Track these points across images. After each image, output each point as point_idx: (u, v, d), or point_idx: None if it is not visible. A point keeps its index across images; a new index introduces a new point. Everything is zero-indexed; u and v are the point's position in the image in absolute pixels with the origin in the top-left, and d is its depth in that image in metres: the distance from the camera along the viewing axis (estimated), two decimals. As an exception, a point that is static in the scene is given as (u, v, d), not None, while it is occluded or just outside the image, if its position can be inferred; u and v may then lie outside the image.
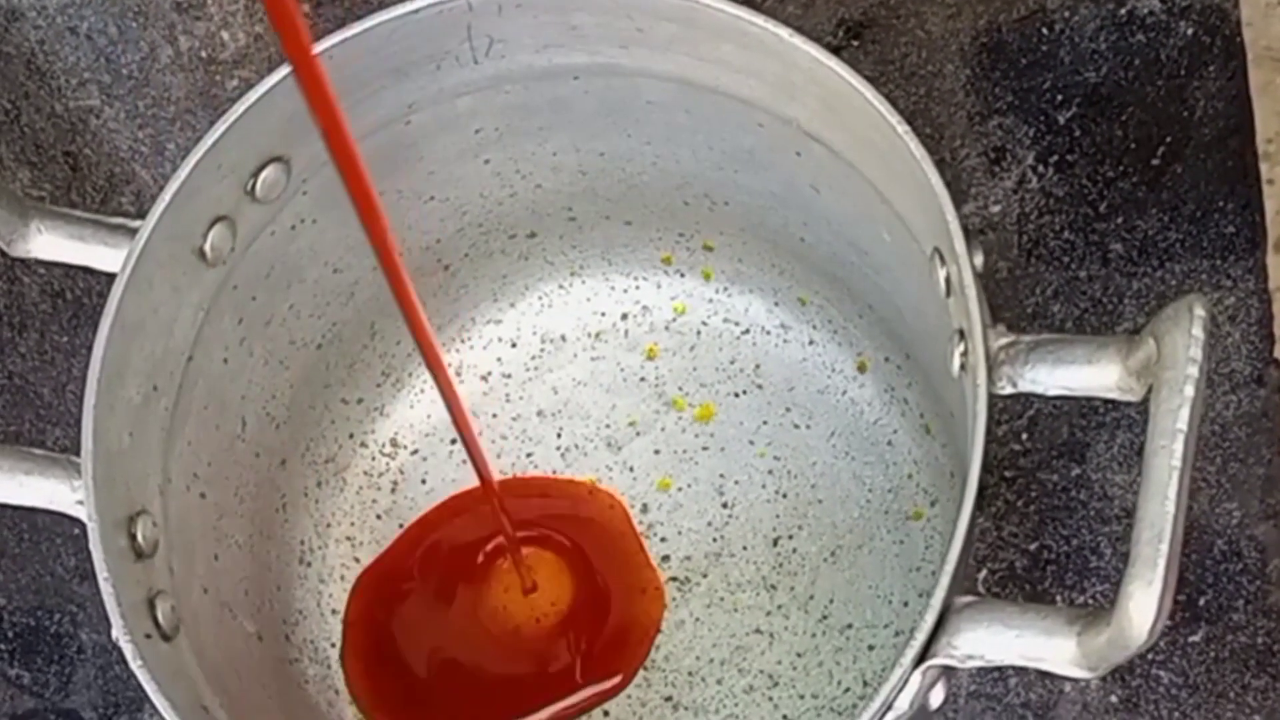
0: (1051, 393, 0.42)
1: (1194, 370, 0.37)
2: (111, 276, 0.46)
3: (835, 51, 0.59)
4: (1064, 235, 0.60)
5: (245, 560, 0.54)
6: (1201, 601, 0.56)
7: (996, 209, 0.61)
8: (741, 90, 0.48)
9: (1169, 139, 0.61)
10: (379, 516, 0.58)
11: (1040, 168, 0.61)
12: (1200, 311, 0.37)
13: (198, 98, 0.63)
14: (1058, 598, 0.57)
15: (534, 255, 0.58)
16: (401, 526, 0.58)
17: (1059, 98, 0.62)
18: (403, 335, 0.47)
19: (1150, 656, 0.56)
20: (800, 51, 0.46)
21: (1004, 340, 0.42)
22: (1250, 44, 0.62)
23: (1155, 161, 0.61)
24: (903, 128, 0.44)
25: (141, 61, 0.64)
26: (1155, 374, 0.38)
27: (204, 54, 0.64)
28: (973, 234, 0.43)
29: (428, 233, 0.56)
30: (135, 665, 0.43)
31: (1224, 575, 0.56)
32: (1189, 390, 0.37)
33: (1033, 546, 0.57)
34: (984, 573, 0.57)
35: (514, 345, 0.60)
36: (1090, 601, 0.56)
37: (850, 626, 0.55)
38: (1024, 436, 0.58)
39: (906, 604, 0.54)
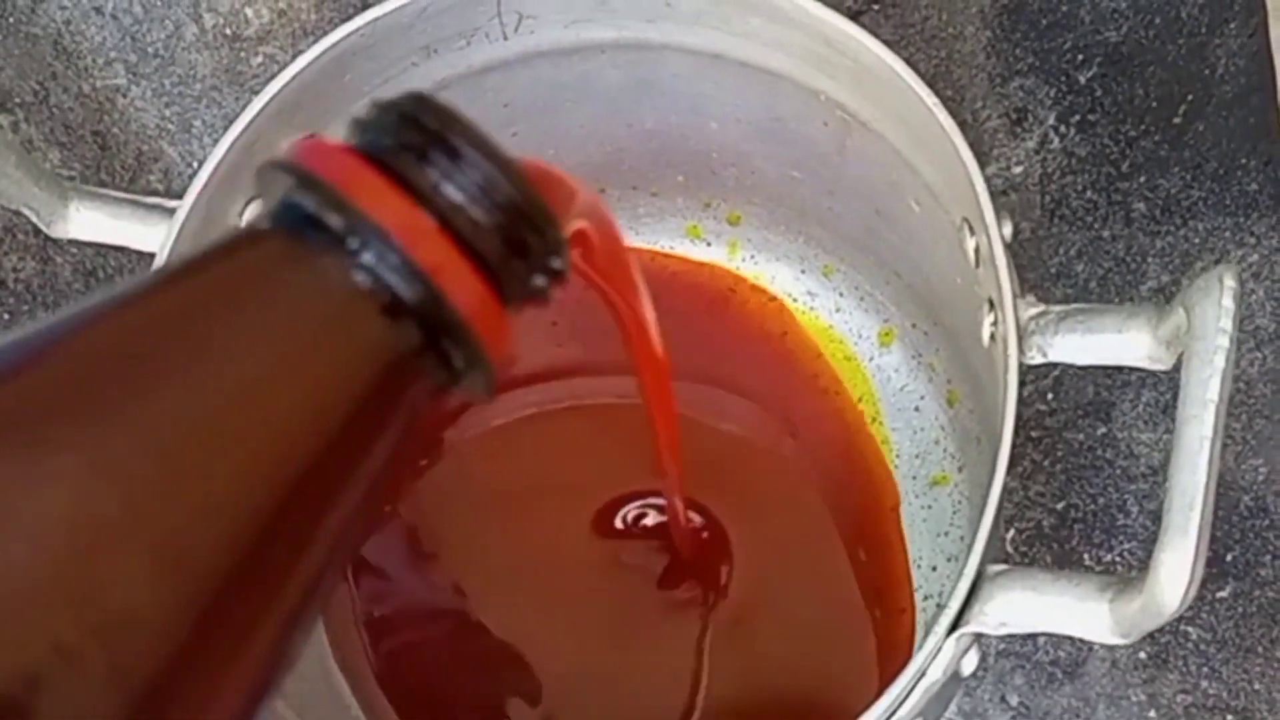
0: (1082, 362, 0.42)
1: (1224, 341, 0.37)
2: (145, 255, 0.47)
3: (856, 16, 0.60)
4: (1086, 195, 0.61)
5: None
6: (1229, 558, 0.56)
7: (1019, 170, 0.61)
8: (769, 62, 0.49)
9: (1190, 97, 0.61)
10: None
11: (1062, 128, 0.61)
12: (1231, 282, 0.37)
13: (223, 75, 0.64)
14: (1085, 556, 0.57)
15: (562, 227, 0.59)
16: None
17: (1080, 58, 0.62)
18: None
19: (1178, 613, 0.56)
20: (828, 24, 0.46)
21: (1034, 310, 0.43)
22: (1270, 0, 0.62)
23: (1177, 120, 0.61)
24: (932, 99, 0.44)
25: (167, 40, 0.64)
26: (1186, 344, 0.38)
27: (228, 31, 0.64)
28: (996, 195, 0.43)
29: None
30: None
31: (1250, 531, 0.57)
32: (1220, 361, 0.37)
33: (1060, 506, 0.58)
34: (1011, 532, 0.57)
35: (543, 315, 0.60)
36: (1118, 560, 0.57)
37: (880, 591, 0.55)
38: (1049, 396, 0.59)
39: (935, 569, 0.55)
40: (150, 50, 0.64)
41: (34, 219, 0.47)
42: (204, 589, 0.22)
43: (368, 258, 0.25)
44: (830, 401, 0.57)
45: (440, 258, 0.25)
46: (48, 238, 0.48)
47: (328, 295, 0.25)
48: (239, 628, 0.23)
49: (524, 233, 0.26)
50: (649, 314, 0.41)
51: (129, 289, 0.25)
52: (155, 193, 0.62)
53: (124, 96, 0.64)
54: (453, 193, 0.25)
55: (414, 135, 0.26)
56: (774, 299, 0.59)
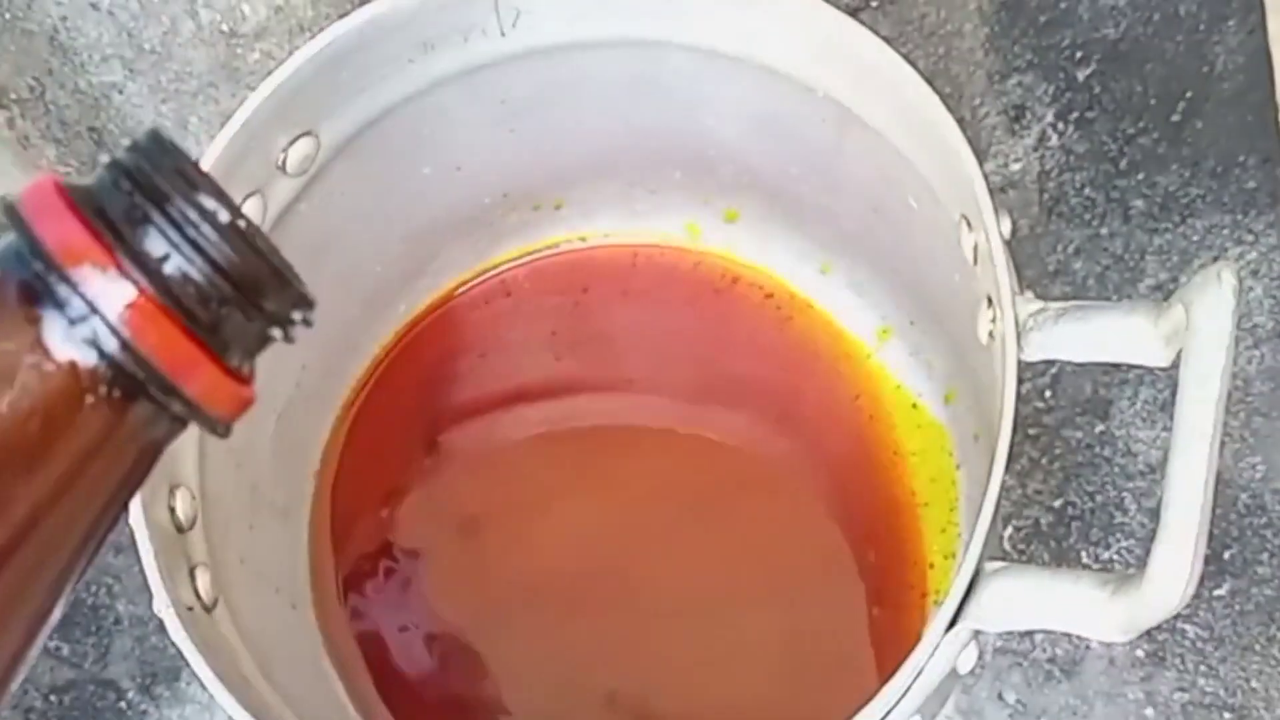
0: (1080, 359, 0.42)
1: (1224, 338, 0.37)
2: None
3: (854, 12, 0.60)
4: (1085, 192, 0.61)
5: (278, 529, 0.55)
6: (1226, 555, 0.57)
7: (1017, 167, 0.61)
8: (767, 59, 0.49)
9: (1189, 94, 0.61)
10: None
11: (1060, 125, 0.61)
12: (1230, 278, 0.37)
13: (220, 71, 0.64)
14: (1083, 554, 0.57)
15: (559, 224, 0.59)
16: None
17: (1078, 54, 0.62)
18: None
19: (1175, 611, 0.56)
20: (827, 20, 0.46)
21: (1033, 307, 0.43)
22: (1268, -4, 0.62)
23: (1175, 117, 0.61)
24: (930, 96, 0.44)
25: (163, 36, 0.64)
26: (1185, 340, 0.38)
27: (225, 27, 0.64)
28: (994, 192, 0.43)
29: (455, 202, 0.56)
30: (178, 638, 0.43)
31: (1248, 529, 0.57)
32: (1218, 358, 0.37)
33: (1057, 503, 0.58)
34: (1009, 530, 0.57)
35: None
36: (1116, 558, 0.57)
37: (878, 588, 0.55)
38: (1047, 394, 0.59)
39: (933, 566, 0.55)
40: (146, 46, 0.64)
41: (29, 215, 0.47)
42: None
43: (72, 312, 0.24)
44: (833, 396, 0.57)
45: (139, 322, 0.24)
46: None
47: (31, 341, 0.24)
48: None
49: (245, 299, 0.26)
50: None
51: None
52: (152, 189, 0.62)
53: (120, 93, 0.64)
54: (158, 252, 0.25)
55: (139, 192, 0.25)
56: (770, 295, 0.58)
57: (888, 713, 0.41)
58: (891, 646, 0.53)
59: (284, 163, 0.49)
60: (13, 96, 0.63)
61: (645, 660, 0.54)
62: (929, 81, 0.44)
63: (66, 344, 0.24)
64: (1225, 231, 0.60)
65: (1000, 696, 0.56)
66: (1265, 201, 0.60)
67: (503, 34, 0.49)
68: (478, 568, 0.56)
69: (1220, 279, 0.38)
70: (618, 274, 0.59)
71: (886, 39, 0.45)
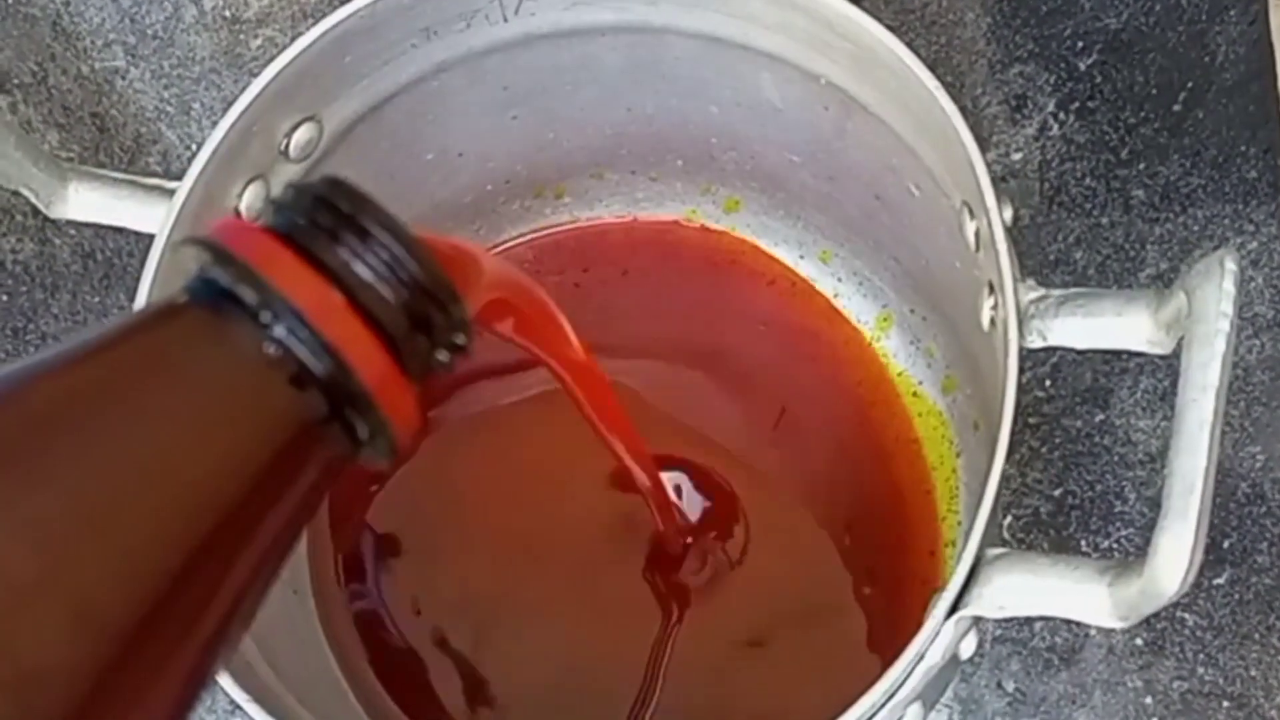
0: (1081, 346, 0.42)
1: (1225, 325, 0.37)
2: (144, 237, 0.47)
3: (856, 1, 0.60)
4: (1086, 182, 0.61)
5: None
6: (1225, 544, 0.57)
7: (1018, 156, 0.61)
8: (769, 46, 0.49)
9: (1190, 84, 0.61)
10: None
11: (1061, 115, 0.61)
12: (1231, 266, 0.37)
13: (222, 57, 0.64)
14: (1083, 543, 0.57)
15: (561, 211, 0.59)
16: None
17: (1080, 44, 0.62)
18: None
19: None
20: (829, 7, 0.46)
21: (1034, 294, 0.43)
22: (1270, -14, 0.62)
23: (1177, 107, 0.61)
24: (933, 83, 0.44)
25: (166, 21, 0.64)
26: (1186, 328, 0.38)
27: (228, 13, 0.64)
28: (995, 181, 0.43)
29: (457, 189, 0.56)
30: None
31: (1248, 518, 0.57)
32: (1220, 345, 0.37)
33: (1057, 492, 0.58)
34: (1009, 519, 0.58)
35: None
36: (1115, 546, 0.57)
37: (878, 574, 0.55)
38: (1047, 383, 0.59)
39: (932, 553, 0.55)
40: (149, 32, 0.64)
41: (33, 200, 0.47)
42: (115, 647, 0.24)
43: (279, 331, 0.26)
44: (833, 383, 0.57)
45: (347, 333, 0.26)
46: (46, 219, 0.48)
47: (240, 365, 0.26)
48: (146, 683, 0.24)
49: (428, 309, 0.28)
50: (585, 361, 0.42)
51: (55, 354, 0.26)
52: (154, 174, 0.61)
53: (123, 78, 0.64)
54: (361, 271, 0.27)
55: (326, 216, 0.27)
56: (772, 281, 0.59)
57: (888, 699, 0.41)
58: (892, 632, 0.53)
59: (287, 148, 0.49)
60: (15, 81, 0.63)
61: (644, 636, 0.54)
62: (928, 67, 0.44)
63: (275, 352, 0.26)
64: (1226, 221, 0.60)
65: (1000, 685, 0.56)
66: (1266, 191, 0.60)
67: (505, 20, 0.49)
68: (474, 541, 0.56)
69: (1222, 266, 0.38)
70: (617, 253, 0.59)
71: (888, 28, 0.45)
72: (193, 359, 0.26)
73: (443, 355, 0.29)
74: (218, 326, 0.26)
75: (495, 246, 0.59)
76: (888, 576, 0.55)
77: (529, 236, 0.59)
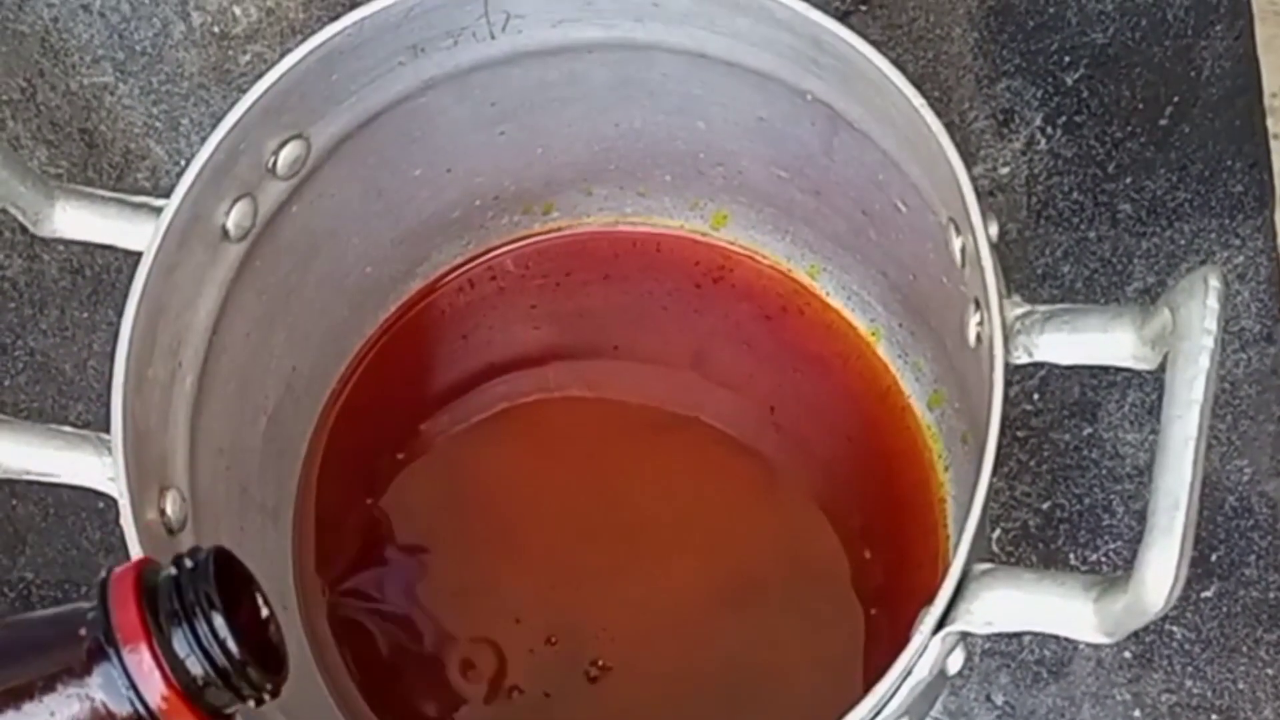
0: (1067, 361, 0.43)
1: (1209, 341, 0.37)
2: (132, 254, 0.47)
3: (844, 16, 0.60)
4: (1073, 196, 0.61)
5: (268, 530, 0.55)
6: (1213, 557, 0.57)
7: (1005, 171, 0.61)
8: (756, 62, 0.49)
9: (1176, 99, 0.61)
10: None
11: (1048, 129, 0.62)
12: (1215, 283, 0.38)
13: (211, 73, 0.64)
14: (1071, 556, 0.57)
15: (549, 226, 0.59)
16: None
17: (1066, 59, 0.62)
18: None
19: (1163, 613, 0.56)
20: (816, 24, 0.46)
21: (1020, 310, 0.43)
22: (1256, 1, 0.62)
23: (1163, 122, 0.61)
24: (919, 100, 0.44)
25: (154, 38, 0.64)
26: (1171, 344, 0.38)
27: (216, 29, 0.64)
28: (982, 196, 0.44)
29: (445, 205, 0.56)
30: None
31: (1235, 531, 0.57)
32: (1204, 361, 0.37)
33: (1045, 506, 0.58)
34: (997, 532, 0.58)
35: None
36: (1104, 560, 0.57)
37: (866, 589, 0.55)
38: (1035, 396, 0.59)
39: (920, 567, 0.55)
40: (138, 48, 0.64)
41: (20, 218, 0.47)
42: None
43: (110, 674, 0.33)
44: (821, 398, 0.57)
45: (154, 693, 0.33)
46: (35, 235, 0.48)
47: (78, 678, 0.34)
48: None
49: (238, 683, 0.34)
50: None
51: None
52: (142, 191, 0.62)
53: (111, 94, 0.64)
54: (179, 648, 0.34)
55: (180, 593, 0.34)
56: (759, 296, 0.59)
57: (876, 713, 0.42)
58: (880, 647, 0.53)
59: (275, 165, 0.49)
60: (3, 98, 0.63)
61: (635, 652, 0.54)
62: (917, 85, 0.44)
63: (112, 694, 0.33)
64: (1212, 235, 0.60)
65: (989, 698, 0.56)
66: (1252, 206, 0.60)
67: (492, 37, 0.50)
68: (463, 555, 0.56)
69: (1206, 283, 0.38)
70: (600, 260, 0.59)
71: (875, 43, 0.45)
72: (51, 663, 0.34)
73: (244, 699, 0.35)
74: (80, 644, 0.34)
75: (482, 260, 0.59)
76: (875, 589, 0.55)
77: (514, 249, 0.59)
